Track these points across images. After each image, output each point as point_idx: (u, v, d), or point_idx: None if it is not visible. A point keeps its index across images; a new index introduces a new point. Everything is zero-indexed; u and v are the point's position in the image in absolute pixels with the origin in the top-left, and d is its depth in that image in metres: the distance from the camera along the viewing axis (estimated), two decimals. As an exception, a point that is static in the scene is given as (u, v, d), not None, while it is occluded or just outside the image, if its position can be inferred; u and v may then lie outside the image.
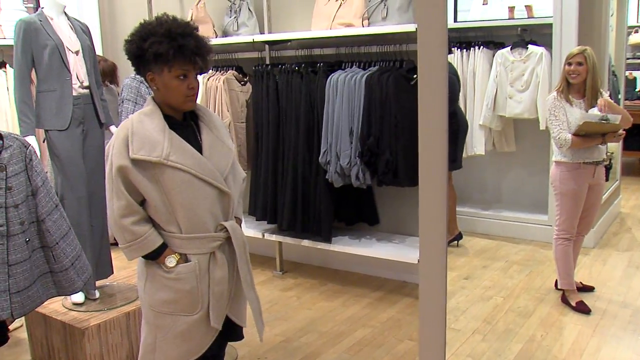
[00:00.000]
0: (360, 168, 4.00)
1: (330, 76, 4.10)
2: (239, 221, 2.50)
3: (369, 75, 3.96)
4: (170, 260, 2.31)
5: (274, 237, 4.67)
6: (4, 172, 2.66)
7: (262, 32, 4.76)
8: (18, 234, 2.71)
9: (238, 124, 4.72)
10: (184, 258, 2.33)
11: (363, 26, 4.10)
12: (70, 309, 3.41)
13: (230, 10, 4.85)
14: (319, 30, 4.24)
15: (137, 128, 2.25)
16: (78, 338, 3.20)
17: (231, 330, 2.55)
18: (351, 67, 4.16)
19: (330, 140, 4.08)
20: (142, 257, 2.34)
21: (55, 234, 2.84)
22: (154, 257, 2.31)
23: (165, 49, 2.18)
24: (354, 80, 3.99)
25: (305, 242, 4.49)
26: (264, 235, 4.69)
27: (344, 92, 4.01)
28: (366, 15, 4.11)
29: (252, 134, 4.71)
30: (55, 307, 3.43)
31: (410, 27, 3.78)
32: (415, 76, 3.96)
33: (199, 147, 2.32)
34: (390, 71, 3.94)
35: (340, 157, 4.04)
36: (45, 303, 2.94)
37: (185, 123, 2.37)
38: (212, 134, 2.39)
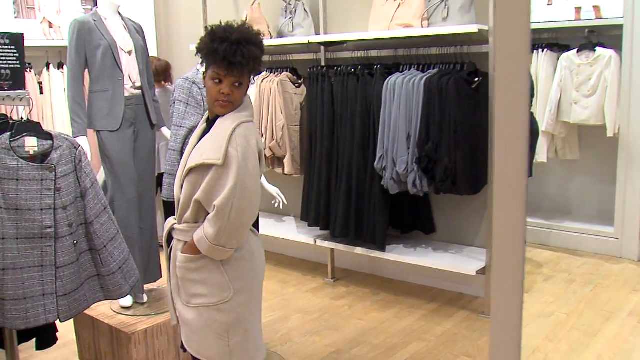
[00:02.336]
0: (417, 175, 3.85)
1: (387, 79, 3.96)
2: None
3: (428, 78, 3.81)
4: None
5: (326, 244, 4.56)
6: (54, 172, 2.61)
7: (317, 33, 4.66)
8: (66, 236, 2.66)
9: (292, 127, 4.62)
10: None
11: (422, 27, 3.95)
12: (117, 313, 3.36)
13: (286, 11, 4.75)
14: (376, 31, 4.10)
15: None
16: (125, 343, 3.14)
17: None
18: (409, 70, 4.01)
19: (387, 145, 3.94)
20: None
21: (103, 237, 2.78)
22: None
23: (201, 49, 2.26)
24: (413, 83, 3.84)
25: (359, 250, 4.35)
26: (315, 242, 4.58)
27: (402, 95, 3.86)
28: (426, 16, 3.96)
29: (306, 138, 4.60)
30: (103, 310, 3.38)
31: (473, 28, 3.61)
32: (477, 79, 3.83)
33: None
34: (451, 74, 3.78)
35: (396, 163, 3.89)
36: (94, 306, 2.89)
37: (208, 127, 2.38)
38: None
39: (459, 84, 3.73)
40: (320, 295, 4.51)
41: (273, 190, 3.76)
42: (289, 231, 4.82)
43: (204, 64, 2.30)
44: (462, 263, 4.01)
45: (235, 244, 2.24)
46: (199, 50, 2.26)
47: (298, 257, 5.34)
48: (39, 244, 2.62)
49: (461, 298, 4.36)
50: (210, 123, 2.33)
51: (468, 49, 3.86)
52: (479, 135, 3.86)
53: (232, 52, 2.18)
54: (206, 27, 2.37)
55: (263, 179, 3.72)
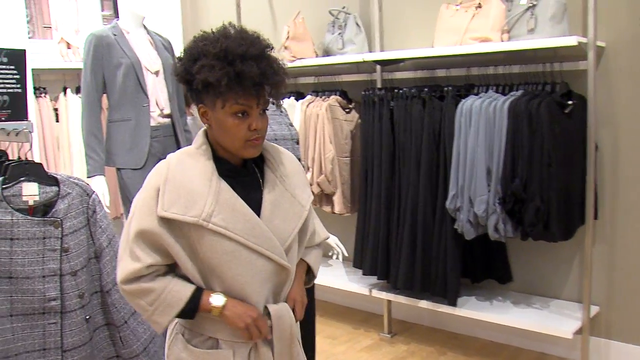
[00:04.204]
0: (500, 217, 3.19)
1: (461, 103, 3.33)
2: (303, 271, 1.89)
3: (513, 101, 3.16)
4: (217, 299, 1.64)
5: (384, 295, 3.90)
6: (60, 228, 2.01)
7: (371, 51, 4.04)
8: (76, 310, 2.06)
9: (341, 159, 4.00)
10: (214, 344, 1.67)
11: (502, 40, 3.31)
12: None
13: (334, 26, 4.15)
14: (447, 46, 3.47)
15: (175, 173, 1.60)
16: None
17: None
18: (486, 92, 3.37)
19: (462, 182, 3.29)
20: (178, 316, 1.66)
21: (124, 310, 2.18)
22: (193, 308, 1.64)
23: (216, 77, 1.56)
24: (494, 107, 3.20)
25: (423, 304, 3.69)
26: (371, 292, 3.92)
27: (480, 122, 3.22)
28: (506, 28, 3.32)
29: (359, 171, 3.97)
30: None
31: (571, 41, 2.97)
32: (570, 102, 3.18)
33: (259, 205, 1.67)
34: (541, 96, 3.13)
35: (474, 203, 3.24)
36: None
37: (245, 171, 1.71)
38: (279, 187, 1.73)
39: (551, 108, 3.08)
40: (378, 355, 3.85)
41: (331, 239, 3.12)
42: (338, 278, 4.17)
43: (204, 101, 1.64)
44: (554, 322, 3.33)
45: None
46: (213, 83, 1.56)
47: (346, 304, 4.68)
48: (40, 321, 2.03)
49: (543, 359, 3.67)
50: (236, 169, 1.70)
51: (560, 67, 3.22)
52: (573, 169, 3.21)
53: (263, 72, 1.57)
54: (187, 50, 1.65)
55: (319, 226, 3.08)
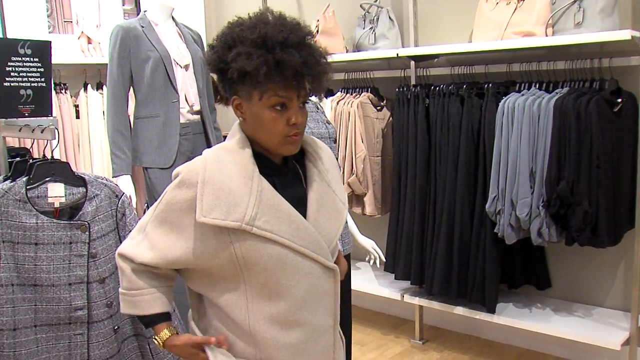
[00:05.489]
0: (544, 221, 3.02)
1: (503, 101, 3.15)
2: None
3: (559, 99, 2.99)
4: (163, 334, 1.56)
5: (417, 301, 3.74)
6: (87, 232, 1.87)
7: (404, 46, 3.88)
8: (103, 320, 1.92)
9: (373, 159, 3.84)
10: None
11: (547, 35, 3.14)
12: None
13: (364, 20, 3.99)
14: (488, 41, 3.30)
15: (213, 173, 1.44)
16: None
17: None
18: (529, 89, 3.20)
19: (503, 184, 3.12)
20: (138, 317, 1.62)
21: (155, 320, 2.02)
22: (148, 324, 1.60)
23: (254, 66, 1.41)
24: (538, 105, 3.03)
25: (459, 310, 3.52)
26: (403, 297, 3.76)
27: (524, 121, 3.05)
28: (550, 22, 3.15)
29: (390, 172, 3.82)
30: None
31: (624, 35, 2.79)
32: (619, 100, 3.00)
33: (303, 203, 1.52)
34: (589, 94, 2.96)
35: (516, 206, 3.07)
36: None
37: (286, 168, 1.56)
38: (322, 183, 1.58)
39: (600, 107, 2.91)
40: (410, 363, 3.69)
41: (367, 243, 2.96)
42: (369, 282, 4.01)
43: (238, 92, 1.50)
44: (599, 332, 3.16)
45: None
46: (250, 72, 1.41)
47: (375, 309, 4.52)
48: (65, 332, 1.89)
49: (587, 371, 3.50)
50: (276, 166, 1.55)
51: (609, 63, 3.04)
52: (622, 170, 3.04)
53: (305, 61, 1.42)
54: (221, 36, 1.51)
55: (354, 228, 2.93)
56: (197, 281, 1.53)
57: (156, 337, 1.56)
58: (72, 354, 1.88)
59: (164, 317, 1.57)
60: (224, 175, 1.44)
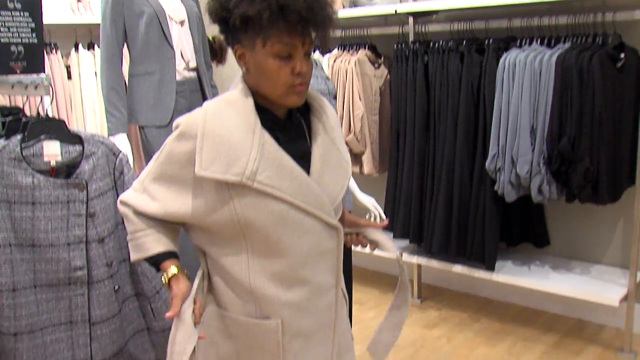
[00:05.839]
0: (545, 178, 3.00)
1: (503, 57, 3.10)
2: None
3: (561, 54, 2.94)
4: (172, 270, 1.51)
5: (415, 260, 3.73)
6: (84, 191, 1.83)
7: (403, 1, 3.80)
8: (104, 280, 1.89)
9: (371, 117, 3.80)
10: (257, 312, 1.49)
11: (549, -11, 3.07)
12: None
13: (361, -24, 3.90)
14: (488, -5, 3.23)
15: (213, 125, 1.39)
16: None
17: None
18: (530, 45, 3.14)
19: (503, 141, 3.09)
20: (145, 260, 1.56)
21: (155, 279, 2.01)
22: (155, 264, 1.55)
23: (256, 10, 1.35)
24: (540, 61, 2.98)
25: (458, 268, 3.52)
26: (401, 256, 3.75)
27: (525, 77, 3.01)
28: (553, -25, 3.08)
29: (388, 130, 3.78)
30: None
31: (628, -13, 2.74)
32: (622, 55, 2.96)
33: (306, 159, 1.48)
34: (591, 49, 2.91)
35: (516, 163, 3.04)
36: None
37: (290, 122, 1.50)
38: (327, 139, 1.53)
39: (603, 63, 2.86)
40: (408, 321, 3.70)
41: (368, 201, 2.92)
42: (366, 242, 3.99)
43: (241, 41, 1.43)
44: (598, 288, 3.16)
45: None
46: (252, 18, 1.35)
47: (373, 268, 4.53)
48: (65, 292, 1.86)
49: (584, 327, 3.52)
50: (280, 120, 1.50)
51: (612, 17, 2.99)
52: (623, 127, 3.01)
53: (310, 6, 1.36)
54: None
55: (354, 186, 2.89)
56: (198, 235, 1.50)
57: (163, 276, 1.52)
58: (73, 315, 1.86)
59: (170, 255, 1.53)
60: (224, 127, 1.39)
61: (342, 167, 1.56)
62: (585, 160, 2.89)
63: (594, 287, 3.18)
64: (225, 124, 1.39)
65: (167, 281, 1.50)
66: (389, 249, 1.68)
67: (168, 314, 1.45)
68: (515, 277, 3.36)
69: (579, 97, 2.88)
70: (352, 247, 1.82)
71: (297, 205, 1.42)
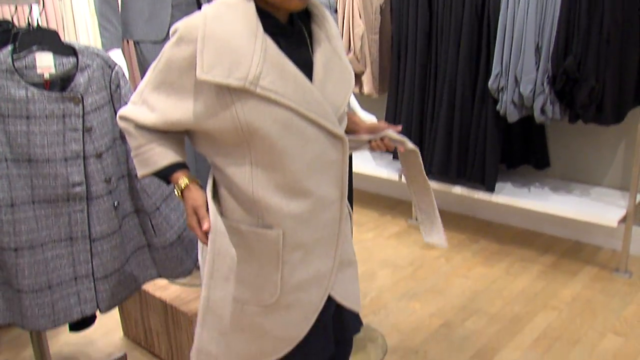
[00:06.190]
0: (549, 98, 2.95)
1: (510, -30, 3.00)
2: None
3: (570, -32, 2.84)
4: (183, 181, 1.49)
5: (415, 181, 3.71)
6: (80, 105, 1.78)
7: None
8: (103, 196, 1.87)
9: (371, 36, 3.70)
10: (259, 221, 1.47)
11: None
12: (172, 282, 2.60)
13: None
14: None
15: (213, 28, 1.33)
16: (183, 324, 2.39)
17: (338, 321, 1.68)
18: (538, -42, 3.03)
19: (507, 59, 3.02)
20: (155, 175, 1.53)
21: (155, 195, 1.98)
22: (164, 177, 1.52)
23: None
24: (548, -25, 2.88)
25: (458, 190, 3.51)
26: (401, 178, 3.74)
27: (532, -8, 2.91)
28: None
29: (388, 50, 3.69)
30: (152, 277, 2.62)
31: None
32: (633, -30, 2.85)
33: (308, 67, 1.42)
34: (601, -36, 2.80)
35: (520, 82, 2.98)
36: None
37: (292, 28, 1.45)
38: (329, 48, 1.48)
39: (613, -23, 2.77)
40: (407, 242, 3.72)
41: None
42: (366, 163, 3.98)
43: None
44: (597, 209, 3.16)
45: None
46: None
47: (372, 191, 4.53)
48: (65, 208, 1.84)
49: (581, 249, 3.54)
50: (281, 25, 1.43)
51: None
52: (630, 47, 2.93)
53: None
54: None
55: (356, 104, 2.84)
56: (203, 144, 1.46)
57: (175, 188, 1.50)
58: (72, 231, 1.84)
59: (179, 166, 1.50)
60: (225, 31, 1.33)
61: (345, 76, 1.51)
62: (590, 79, 2.83)
63: (593, 209, 3.18)
64: (226, 27, 1.33)
65: (179, 193, 1.48)
66: (411, 146, 1.65)
67: (205, 227, 1.44)
68: (514, 198, 3.35)
69: (586, 15, 2.79)
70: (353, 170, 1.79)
71: (300, 113, 1.38)
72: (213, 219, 1.44)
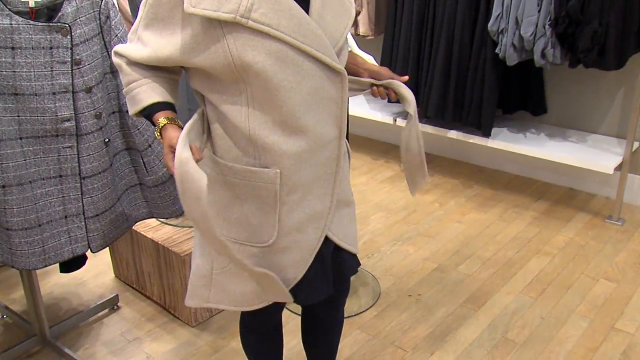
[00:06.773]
0: (550, 41, 2.88)
1: None
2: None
3: None
4: (162, 120, 1.40)
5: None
6: (68, 36, 1.70)
7: None
8: (93, 132, 1.81)
9: (368, -25, 3.59)
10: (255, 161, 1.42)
11: None
12: (164, 222, 2.57)
13: None
14: None
15: None
16: (175, 265, 2.37)
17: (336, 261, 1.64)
18: None
19: (508, 1, 2.94)
20: (141, 115, 1.47)
21: (147, 132, 1.93)
22: (148, 116, 1.45)
23: None
24: None
25: (453, 134, 3.47)
26: (395, 121, 3.69)
27: None
28: None
29: (387, -11, 3.59)
30: (143, 217, 2.58)
31: None
32: None
33: (305, 0, 1.34)
34: None
35: (521, 24, 2.91)
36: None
37: None
38: None
39: None
40: (401, 186, 3.69)
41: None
42: (359, 106, 3.91)
43: None
44: (593, 156, 3.13)
45: None
46: None
47: (363, 135, 4.47)
48: (54, 144, 1.78)
49: (574, 195, 3.53)
50: None
51: None
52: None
53: None
54: None
55: (353, 43, 2.76)
56: (198, 80, 1.40)
57: (156, 129, 1.42)
58: (62, 168, 1.79)
59: (164, 106, 1.42)
60: None
61: (344, 7, 1.43)
62: (593, 22, 2.76)
63: (590, 155, 3.15)
64: None
65: (159, 133, 1.41)
66: (414, 109, 1.59)
67: (167, 163, 1.36)
68: (510, 144, 3.31)
69: (593, -48, 2.71)
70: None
71: (296, 46, 1.30)
72: (179, 150, 1.34)
